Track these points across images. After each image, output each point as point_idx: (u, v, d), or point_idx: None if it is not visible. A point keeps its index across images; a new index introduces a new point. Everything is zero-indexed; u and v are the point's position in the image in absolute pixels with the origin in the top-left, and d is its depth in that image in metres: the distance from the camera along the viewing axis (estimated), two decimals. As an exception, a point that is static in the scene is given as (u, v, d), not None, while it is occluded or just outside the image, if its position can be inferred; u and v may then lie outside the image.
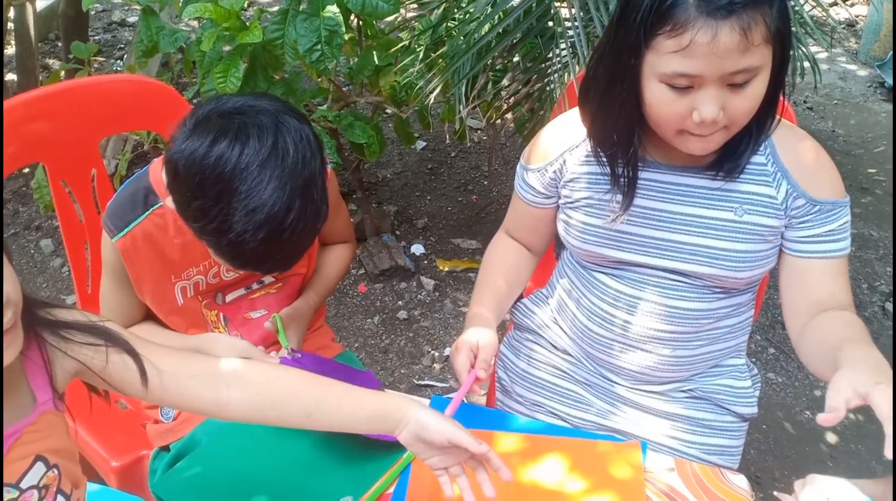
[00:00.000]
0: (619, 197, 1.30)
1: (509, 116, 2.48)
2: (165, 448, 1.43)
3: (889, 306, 2.99)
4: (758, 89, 1.12)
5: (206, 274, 1.38)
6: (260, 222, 1.08)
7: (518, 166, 1.46)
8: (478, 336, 1.34)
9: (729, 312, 1.35)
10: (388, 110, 2.76)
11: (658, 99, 1.13)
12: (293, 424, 1.08)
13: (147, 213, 1.29)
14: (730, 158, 1.24)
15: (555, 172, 1.38)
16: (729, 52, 1.05)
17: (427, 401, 1.39)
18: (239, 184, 1.07)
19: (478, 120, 3.83)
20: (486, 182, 3.64)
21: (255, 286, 1.47)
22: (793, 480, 2.45)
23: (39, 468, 0.94)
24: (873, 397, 0.92)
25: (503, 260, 1.53)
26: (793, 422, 2.49)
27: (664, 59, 1.08)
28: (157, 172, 1.29)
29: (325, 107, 2.58)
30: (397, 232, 3.27)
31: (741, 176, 1.25)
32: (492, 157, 3.48)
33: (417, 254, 3.16)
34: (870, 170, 3.94)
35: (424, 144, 3.91)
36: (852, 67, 5.01)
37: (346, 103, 2.71)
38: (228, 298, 1.45)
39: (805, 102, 4.55)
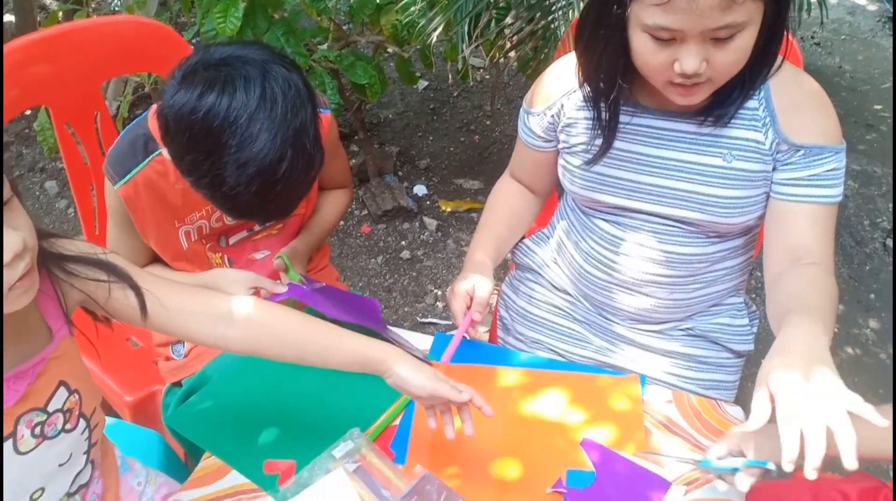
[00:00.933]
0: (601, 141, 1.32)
1: (512, 54, 2.46)
2: (177, 384, 1.48)
3: (890, 242, 3.01)
4: (743, 43, 1.11)
5: (209, 219, 1.40)
6: (252, 175, 1.08)
7: (521, 109, 1.46)
8: (474, 282, 1.37)
9: (725, 255, 1.36)
10: (390, 50, 2.73)
11: (642, 48, 1.13)
12: (286, 361, 1.13)
13: (147, 160, 1.30)
14: (720, 106, 1.23)
15: (553, 116, 1.39)
16: (709, 9, 1.04)
17: (430, 338, 1.43)
18: (228, 138, 1.07)
19: (481, 59, 3.80)
20: (488, 122, 3.63)
21: (256, 228, 1.49)
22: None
23: (62, 392, 0.99)
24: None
25: (506, 204, 1.54)
26: (791, 357, 2.53)
27: (647, 10, 1.08)
28: (154, 119, 1.30)
29: (325, 46, 2.56)
30: (399, 173, 3.28)
31: (731, 121, 1.25)
32: (494, 96, 3.47)
33: (420, 195, 3.17)
34: (876, 106, 3.91)
35: (426, 83, 3.89)
36: (861, 1, 4.94)
37: (346, 43, 2.69)
38: (232, 240, 1.47)
39: (812, 37, 4.49)
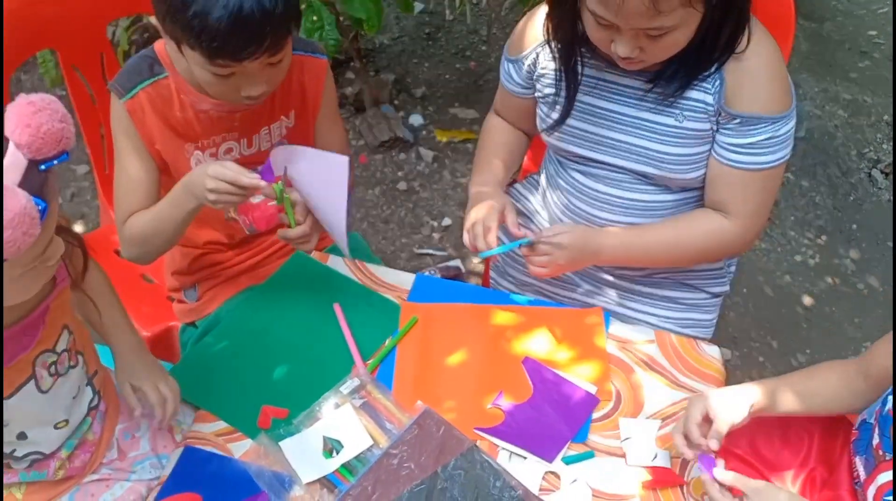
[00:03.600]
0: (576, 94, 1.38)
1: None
2: (191, 325, 1.58)
3: (875, 173, 3.07)
4: (675, 39, 1.18)
5: (203, 152, 1.41)
6: None
7: (503, 56, 1.51)
8: (499, 204, 1.39)
9: (692, 204, 1.43)
10: (386, -23, 2.70)
11: (587, 23, 1.22)
12: None
13: (152, 80, 1.33)
14: (667, 81, 1.29)
15: (529, 65, 1.43)
16: (637, 15, 1.11)
17: (412, 278, 1.50)
18: None
19: (476, -19, 3.76)
20: (484, 48, 3.61)
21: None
22: (767, 340, 2.59)
23: (66, 334, 1.13)
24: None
25: (498, 140, 1.59)
26: (772, 286, 2.64)
27: None
28: (161, 45, 1.33)
29: (322, -22, 2.54)
30: (395, 101, 3.29)
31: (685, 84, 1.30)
32: (491, 22, 3.44)
33: (416, 125, 3.19)
34: (870, 32, 3.89)
35: (422, 6, 3.84)
36: (863, -80, 4.84)
37: (343, -27, 2.66)
38: None
39: (811, -41, 4.43)
